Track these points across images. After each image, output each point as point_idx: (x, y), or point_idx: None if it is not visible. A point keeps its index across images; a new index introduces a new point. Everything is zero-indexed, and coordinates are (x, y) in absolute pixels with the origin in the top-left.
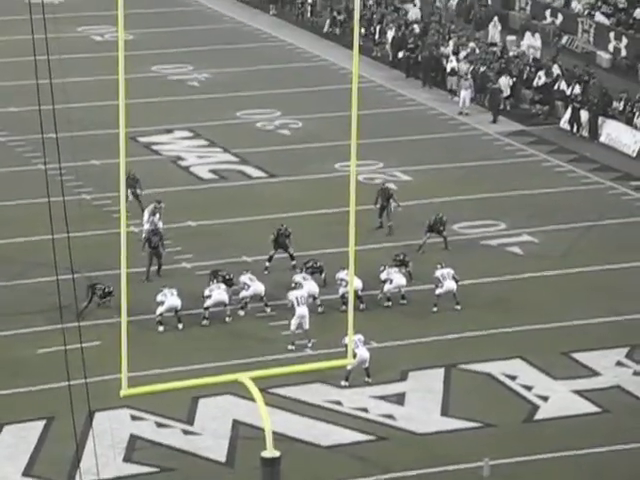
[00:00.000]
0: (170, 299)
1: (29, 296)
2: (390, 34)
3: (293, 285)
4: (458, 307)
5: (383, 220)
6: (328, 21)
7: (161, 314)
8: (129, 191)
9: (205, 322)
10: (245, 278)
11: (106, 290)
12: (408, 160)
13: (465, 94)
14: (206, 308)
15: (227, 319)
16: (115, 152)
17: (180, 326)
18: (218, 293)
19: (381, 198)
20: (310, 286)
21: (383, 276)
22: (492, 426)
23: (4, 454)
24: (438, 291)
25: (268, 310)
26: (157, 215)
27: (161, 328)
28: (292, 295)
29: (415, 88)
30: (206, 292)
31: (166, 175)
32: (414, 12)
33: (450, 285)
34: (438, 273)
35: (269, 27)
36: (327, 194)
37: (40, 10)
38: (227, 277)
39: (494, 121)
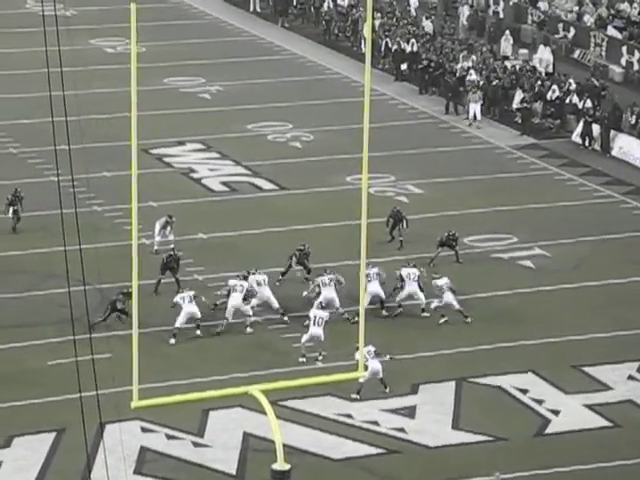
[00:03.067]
0: (187, 307)
1: (41, 307)
2: (393, 48)
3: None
4: (468, 320)
5: (395, 234)
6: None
7: (178, 328)
8: (11, 209)
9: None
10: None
11: (125, 310)
12: (420, 173)
13: (475, 107)
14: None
15: (248, 329)
16: (127, 164)
17: (198, 332)
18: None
19: (393, 219)
20: (327, 293)
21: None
22: (503, 440)
23: (15, 466)
24: (435, 304)
25: (285, 318)
26: (168, 228)
27: (172, 341)
28: (312, 313)
29: (427, 101)
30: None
31: (178, 187)
32: (427, 26)
33: (448, 298)
34: (436, 283)
35: (281, 40)
36: (338, 207)
37: (53, 22)
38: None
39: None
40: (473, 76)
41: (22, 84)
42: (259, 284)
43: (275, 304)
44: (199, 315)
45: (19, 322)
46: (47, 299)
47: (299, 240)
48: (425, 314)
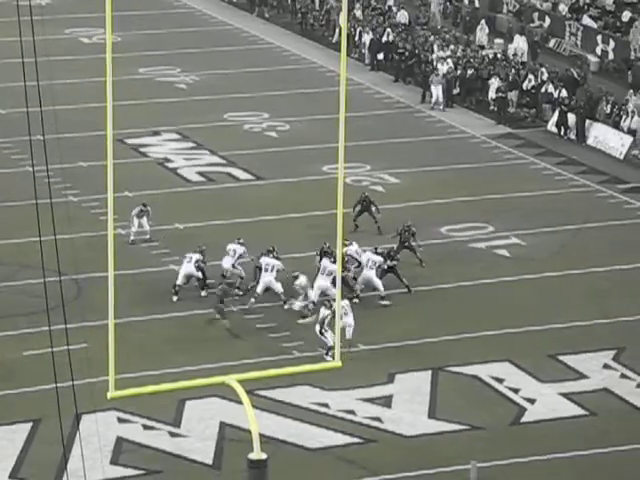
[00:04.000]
0: (185, 266)
1: (16, 298)
2: (367, 37)
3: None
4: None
5: (364, 221)
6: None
7: (179, 285)
8: None
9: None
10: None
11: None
12: (395, 162)
13: (437, 89)
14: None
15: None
16: (102, 154)
17: (203, 293)
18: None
19: (361, 205)
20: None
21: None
22: (479, 429)
23: None
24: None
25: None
26: (144, 218)
27: (175, 298)
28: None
29: (402, 90)
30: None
31: (153, 177)
32: (402, 15)
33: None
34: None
35: (257, 29)
36: (315, 197)
37: (28, 12)
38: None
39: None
40: (450, 65)
41: None
42: (266, 270)
43: (279, 289)
44: (199, 275)
45: None
46: (22, 290)
47: (275, 230)
48: (385, 302)
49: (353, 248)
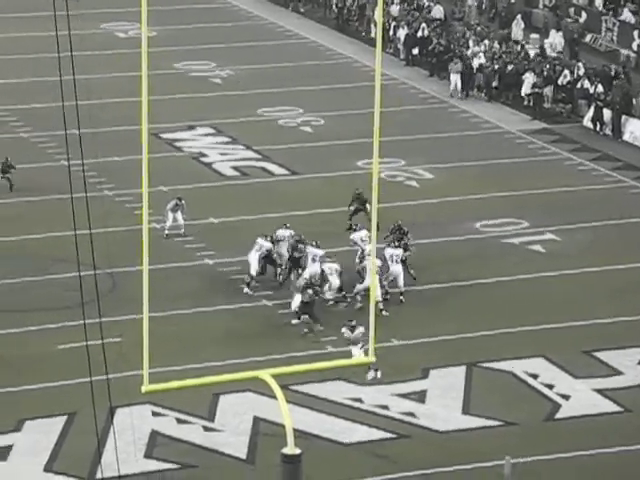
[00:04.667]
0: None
1: (51, 292)
2: (403, 32)
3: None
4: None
5: (352, 222)
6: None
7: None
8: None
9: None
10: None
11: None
12: (430, 158)
13: (455, 77)
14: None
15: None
16: (137, 148)
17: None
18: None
19: (356, 202)
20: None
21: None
22: (513, 424)
23: (26, 449)
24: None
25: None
26: (179, 212)
27: (246, 290)
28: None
29: (437, 85)
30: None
31: (188, 172)
32: (438, 10)
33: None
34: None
35: (292, 24)
36: (349, 192)
37: (64, 6)
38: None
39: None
40: (482, 60)
41: (33, 68)
42: (314, 260)
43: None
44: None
45: (29, 306)
46: (57, 283)
47: (310, 225)
48: (385, 313)
49: (358, 235)
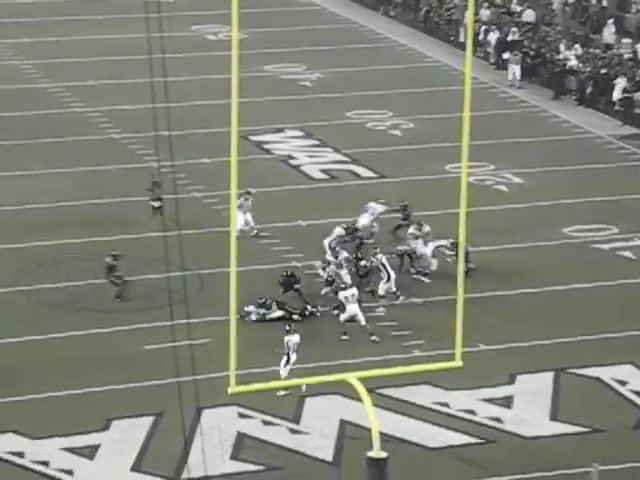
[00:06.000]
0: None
1: (139, 292)
2: (493, 36)
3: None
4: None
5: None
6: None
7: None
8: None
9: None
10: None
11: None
12: (520, 162)
13: (515, 68)
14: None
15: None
16: (226, 150)
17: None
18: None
19: (401, 214)
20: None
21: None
22: (601, 431)
23: (113, 449)
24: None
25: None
26: (248, 214)
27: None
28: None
29: (527, 89)
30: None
31: (277, 174)
32: (529, 14)
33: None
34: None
35: (381, 27)
36: (437, 195)
37: (156, 9)
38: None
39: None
40: (573, 61)
41: (124, 70)
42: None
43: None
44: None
45: (119, 307)
46: (145, 284)
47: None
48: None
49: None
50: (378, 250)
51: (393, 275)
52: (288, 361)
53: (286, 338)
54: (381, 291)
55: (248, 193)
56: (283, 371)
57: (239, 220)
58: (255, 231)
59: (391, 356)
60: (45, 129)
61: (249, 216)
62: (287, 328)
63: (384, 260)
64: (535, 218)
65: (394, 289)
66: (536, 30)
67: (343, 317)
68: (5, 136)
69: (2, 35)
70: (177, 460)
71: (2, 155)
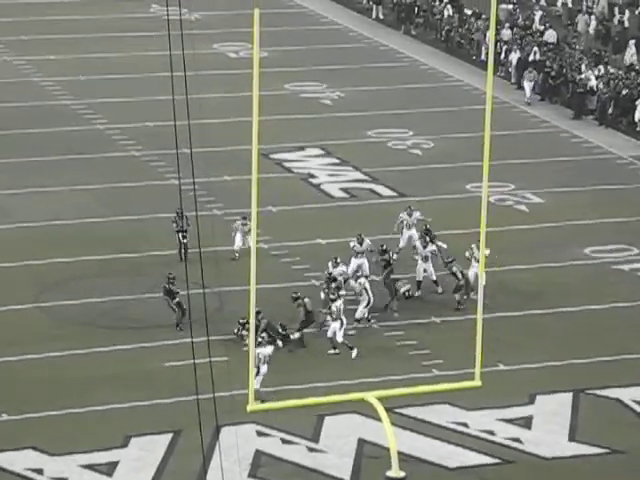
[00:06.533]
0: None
1: (159, 309)
2: (515, 56)
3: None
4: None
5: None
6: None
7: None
8: (180, 235)
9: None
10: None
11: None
12: (540, 182)
13: (529, 85)
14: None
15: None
16: (247, 168)
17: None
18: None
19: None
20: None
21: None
22: (621, 453)
23: (131, 466)
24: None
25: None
26: (247, 236)
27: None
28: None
29: (548, 109)
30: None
31: (297, 192)
32: (551, 34)
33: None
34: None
35: (402, 46)
36: (457, 215)
37: (178, 27)
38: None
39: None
40: (593, 81)
41: (145, 87)
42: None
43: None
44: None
45: (137, 324)
46: (165, 301)
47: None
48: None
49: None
50: (360, 274)
51: (372, 301)
52: (258, 372)
53: (257, 350)
54: (358, 314)
55: (244, 218)
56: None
57: (237, 240)
58: (237, 254)
59: (410, 375)
60: (67, 146)
61: (240, 238)
62: (259, 340)
63: (367, 285)
64: (555, 238)
65: (367, 315)
66: (557, 50)
67: (329, 333)
68: (26, 153)
69: (26, 52)
70: (195, 477)
71: (24, 172)
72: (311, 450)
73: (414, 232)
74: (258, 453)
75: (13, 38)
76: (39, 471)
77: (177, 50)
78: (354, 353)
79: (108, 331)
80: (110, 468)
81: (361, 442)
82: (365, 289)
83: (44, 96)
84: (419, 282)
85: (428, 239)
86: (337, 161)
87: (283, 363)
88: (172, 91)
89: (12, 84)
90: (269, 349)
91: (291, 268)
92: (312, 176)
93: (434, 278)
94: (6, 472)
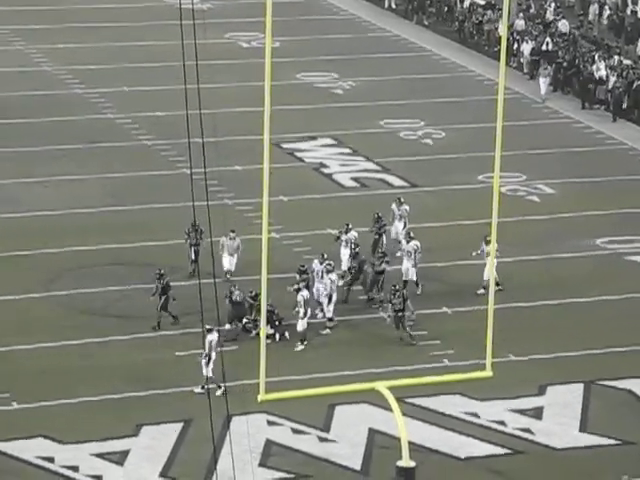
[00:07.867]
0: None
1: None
2: (527, 46)
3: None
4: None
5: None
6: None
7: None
8: (192, 249)
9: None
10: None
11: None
12: (552, 173)
13: (543, 81)
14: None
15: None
16: (259, 158)
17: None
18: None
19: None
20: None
21: None
22: (631, 444)
23: (142, 455)
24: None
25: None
26: (226, 254)
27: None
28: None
29: (561, 100)
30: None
31: (308, 182)
32: (563, 25)
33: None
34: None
35: (414, 37)
36: (469, 205)
37: (190, 16)
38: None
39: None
40: (602, 71)
41: (157, 77)
42: None
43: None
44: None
45: (147, 314)
46: (176, 291)
47: (429, 237)
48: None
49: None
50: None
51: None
52: (209, 360)
53: (208, 337)
54: (328, 314)
55: (232, 232)
56: (205, 370)
57: (225, 262)
58: (228, 276)
59: (421, 365)
60: (78, 135)
61: (233, 258)
62: (208, 327)
63: (337, 282)
64: (567, 229)
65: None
66: (570, 41)
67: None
68: (37, 142)
69: (37, 41)
70: (206, 467)
71: (34, 161)
72: (322, 440)
73: (400, 226)
74: (269, 443)
75: (25, 27)
76: (50, 459)
77: (189, 39)
78: (300, 347)
79: (120, 320)
80: (121, 457)
81: (372, 432)
82: (333, 287)
83: (56, 85)
84: (405, 282)
85: (412, 234)
86: (349, 151)
87: (296, 353)
88: (184, 80)
89: (24, 73)
90: (215, 335)
91: (303, 258)
92: (324, 166)
93: (415, 278)
94: (17, 460)
